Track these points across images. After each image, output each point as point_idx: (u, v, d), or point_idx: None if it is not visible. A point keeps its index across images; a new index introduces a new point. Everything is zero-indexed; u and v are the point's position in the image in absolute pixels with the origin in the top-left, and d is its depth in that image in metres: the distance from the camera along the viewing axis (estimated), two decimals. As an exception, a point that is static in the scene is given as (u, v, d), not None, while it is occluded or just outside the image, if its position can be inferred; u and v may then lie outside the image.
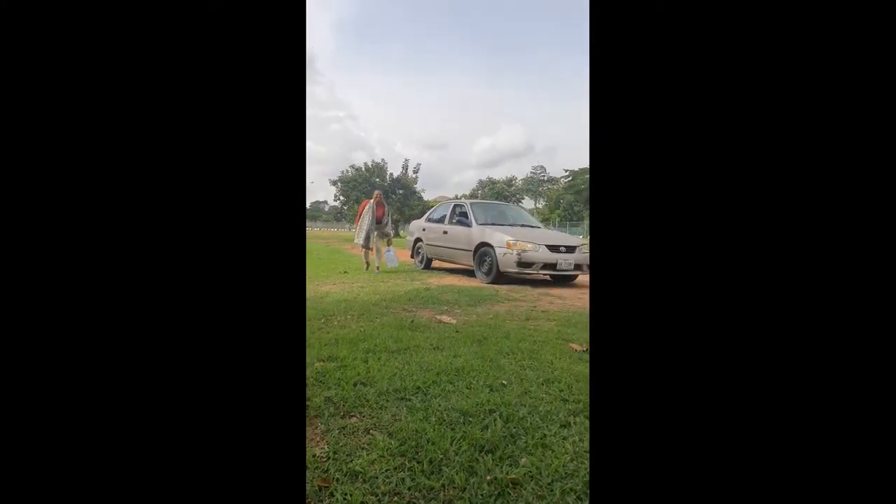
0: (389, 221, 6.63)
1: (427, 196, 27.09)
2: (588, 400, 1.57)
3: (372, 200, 6.52)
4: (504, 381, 1.76)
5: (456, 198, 7.59)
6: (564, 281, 5.75)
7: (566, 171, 38.97)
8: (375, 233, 6.50)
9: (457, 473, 1.07)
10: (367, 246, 6.57)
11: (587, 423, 1.39)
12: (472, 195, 40.70)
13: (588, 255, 5.69)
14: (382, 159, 27.35)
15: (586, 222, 35.05)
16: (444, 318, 3.16)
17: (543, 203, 42.01)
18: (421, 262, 6.95)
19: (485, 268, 5.68)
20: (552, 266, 5.35)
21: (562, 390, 1.68)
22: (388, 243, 6.56)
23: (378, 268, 6.37)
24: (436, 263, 7.36)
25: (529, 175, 48.23)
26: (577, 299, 4.34)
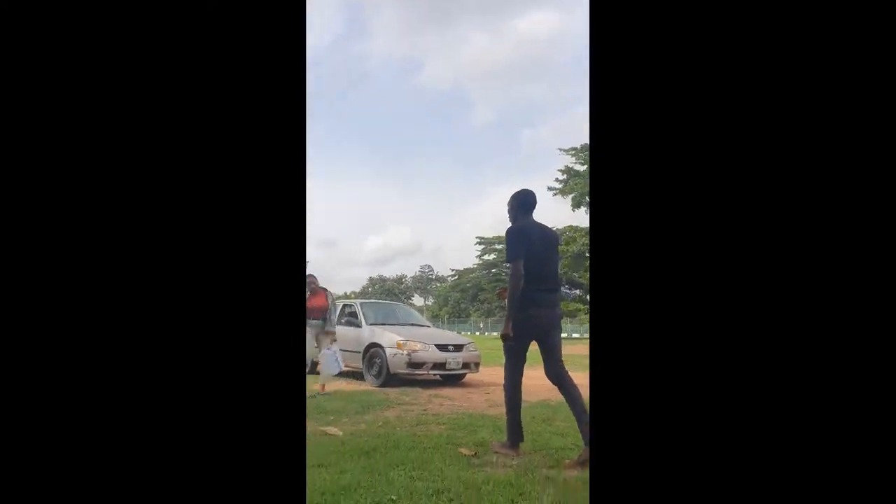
0: (333, 312, 4.86)
1: (314, 294, 26.08)
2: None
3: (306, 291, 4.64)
4: (393, 497, 1.69)
5: (346, 296, 7.46)
6: (454, 380, 5.79)
7: (452, 270, 41.03)
8: (315, 333, 4.67)
9: None
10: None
11: (477, 534, 1.38)
12: (363, 292, 40.44)
13: (476, 353, 5.86)
14: (267, 256, 26.13)
15: (472, 318, 36.37)
16: (330, 429, 2.97)
17: (433, 301, 42.99)
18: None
19: (374, 370, 5.53)
20: (441, 365, 5.39)
21: (451, 500, 1.65)
22: (332, 341, 4.70)
23: (321, 388, 4.39)
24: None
25: (419, 273, 49.65)
26: (466, 399, 4.38)
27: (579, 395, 2.25)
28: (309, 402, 3.82)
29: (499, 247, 33.86)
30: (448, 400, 4.37)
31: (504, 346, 2.40)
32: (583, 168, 18.10)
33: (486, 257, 35.78)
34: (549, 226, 2.60)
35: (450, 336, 6.00)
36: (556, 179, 19.06)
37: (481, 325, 35.36)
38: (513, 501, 1.64)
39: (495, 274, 34.45)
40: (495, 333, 32.32)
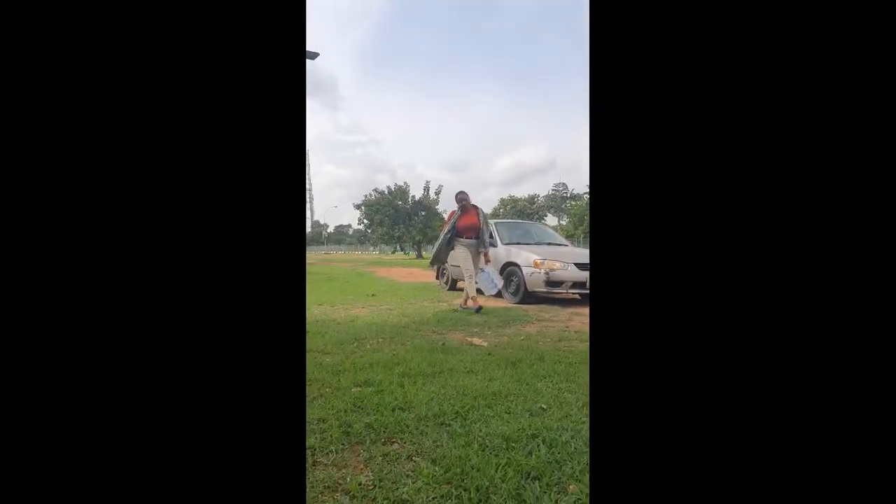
0: (485, 231, 4.64)
1: (451, 216, 27.16)
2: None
3: (457, 208, 4.60)
4: (543, 406, 1.74)
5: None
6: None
7: (588, 186, 38.68)
8: (465, 251, 4.51)
9: (505, 501, 1.05)
10: (440, 263, 5.00)
11: (634, 448, 1.35)
12: (494, 213, 40.72)
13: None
14: (405, 182, 27.71)
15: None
16: (475, 340, 3.15)
17: (567, 220, 41.68)
18: (446, 283, 6.95)
19: (512, 288, 5.64)
20: (582, 285, 5.28)
21: (604, 414, 1.64)
22: (487, 261, 4.62)
23: (470, 301, 4.47)
24: (461, 284, 7.36)
25: (552, 192, 48.12)
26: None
27: None
28: (453, 316, 4.08)
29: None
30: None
31: None
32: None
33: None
34: None
35: (587, 254, 5.77)
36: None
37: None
38: (672, 420, 1.57)
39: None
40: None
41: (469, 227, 4.59)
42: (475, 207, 4.68)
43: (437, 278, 7.44)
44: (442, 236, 4.67)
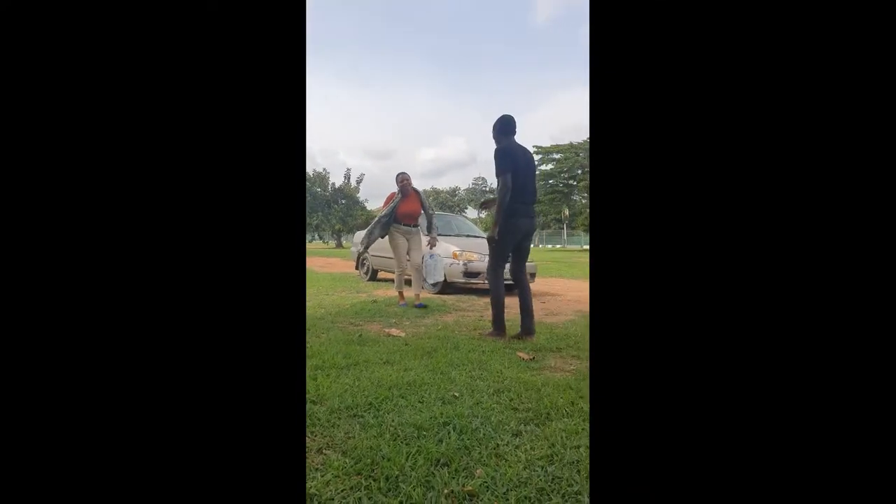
0: (433, 214, 4.36)
1: (371, 206, 26.81)
2: (537, 408, 1.62)
3: (396, 190, 4.24)
4: (455, 394, 1.78)
5: None
6: (510, 290, 5.88)
7: (508, 181, 40.07)
8: (400, 240, 4.20)
9: (414, 489, 1.07)
10: (363, 251, 4.61)
11: (537, 430, 1.44)
12: (417, 205, 40.88)
13: (532, 263, 5.88)
14: (324, 168, 26.73)
15: (528, 232, 36.16)
16: (393, 331, 3.15)
17: (486, 214, 42.80)
18: (366, 273, 6.86)
19: (431, 279, 5.69)
20: (497, 276, 5.44)
21: (511, 399, 1.72)
22: (432, 246, 4.36)
23: (416, 293, 4.26)
24: (382, 274, 7.29)
25: (472, 186, 49.13)
26: (522, 308, 4.46)
27: (529, 294, 2.96)
28: (371, 307, 4.04)
29: (557, 156, 32.30)
30: (505, 308, 4.46)
31: (489, 247, 2.91)
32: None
33: (542, 167, 34.18)
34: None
35: (506, 247, 5.99)
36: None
37: (535, 238, 35.14)
38: (573, 403, 1.69)
39: (552, 185, 33.19)
40: (550, 246, 32.10)
41: (409, 213, 4.21)
42: (416, 192, 4.28)
43: (357, 268, 7.31)
44: (376, 220, 4.20)
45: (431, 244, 4.37)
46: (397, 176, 4.31)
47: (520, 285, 2.95)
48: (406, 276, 4.41)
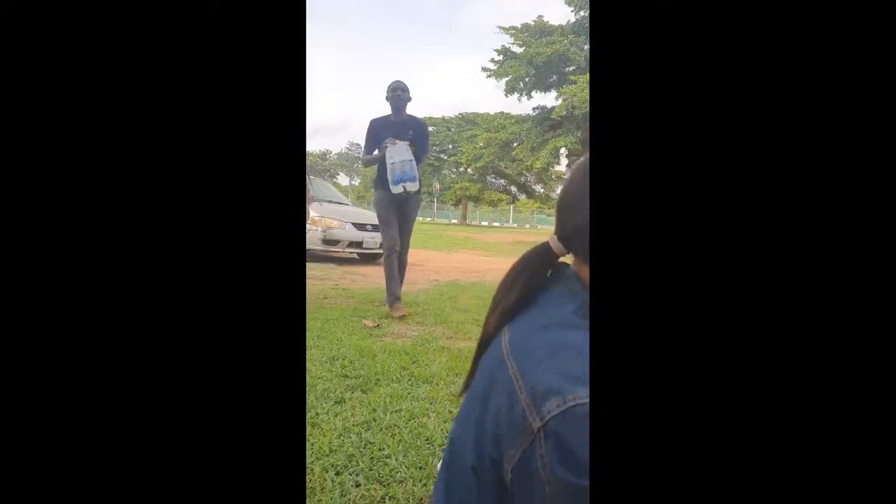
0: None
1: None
2: (368, 374, 1.61)
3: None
4: (285, 363, 1.68)
5: None
6: (371, 259, 5.83)
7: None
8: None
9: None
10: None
11: (363, 397, 1.42)
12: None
13: (395, 233, 5.88)
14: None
15: (399, 202, 36.23)
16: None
17: (359, 181, 41.86)
18: None
19: (287, 245, 5.37)
20: (359, 244, 5.36)
21: (344, 366, 1.68)
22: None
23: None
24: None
25: (345, 150, 47.42)
26: (381, 277, 4.45)
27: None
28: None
29: (432, 129, 32.68)
30: (362, 277, 4.41)
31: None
32: (520, 50, 17.12)
33: (416, 140, 34.40)
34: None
35: (369, 216, 5.89)
36: (492, 60, 18.03)
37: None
38: (404, 367, 1.70)
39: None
40: (420, 218, 32.76)
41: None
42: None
43: None
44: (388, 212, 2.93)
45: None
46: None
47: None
48: None
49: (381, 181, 2.83)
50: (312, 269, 4.43)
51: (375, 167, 2.86)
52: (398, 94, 2.85)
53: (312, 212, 5.05)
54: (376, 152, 2.85)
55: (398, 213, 2.91)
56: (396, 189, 2.72)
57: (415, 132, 2.92)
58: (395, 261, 2.87)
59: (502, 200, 30.11)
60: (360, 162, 3.97)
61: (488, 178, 28.72)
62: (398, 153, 2.74)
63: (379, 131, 2.87)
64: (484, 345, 0.54)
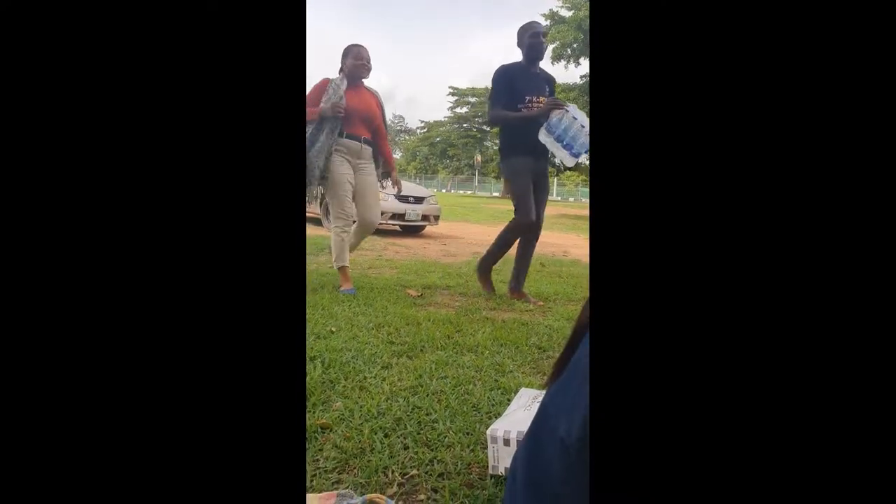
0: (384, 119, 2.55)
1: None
2: (413, 341, 1.62)
3: (339, 71, 2.38)
4: (333, 329, 1.72)
5: None
6: (413, 231, 5.87)
7: (422, 122, 39.18)
8: (344, 168, 2.33)
9: (262, 425, 1.01)
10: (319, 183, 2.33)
11: (409, 363, 1.43)
12: (327, 141, 38.65)
13: (437, 206, 5.88)
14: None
15: (441, 176, 36.05)
16: (281, 267, 2.98)
17: (400, 154, 41.91)
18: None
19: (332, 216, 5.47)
20: (401, 216, 5.40)
21: (390, 333, 1.71)
22: (397, 186, 2.68)
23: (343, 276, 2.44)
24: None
25: (389, 123, 47.46)
26: (422, 248, 4.48)
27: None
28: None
29: (472, 99, 31.98)
30: (404, 248, 4.45)
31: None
32: (569, 14, 16.31)
33: (458, 110, 33.72)
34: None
35: (411, 187, 5.90)
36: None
37: (448, 184, 35.19)
38: (448, 336, 1.71)
39: (466, 129, 33.11)
40: (461, 192, 32.52)
41: (364, 114, 2.30)
42: (371, 92, 2.41)
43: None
44: (310, 130, 2.23)
45: (396, 186, 2.63)
46: (349, 49, 2.32)
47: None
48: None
49: (522, 146, 2.25)
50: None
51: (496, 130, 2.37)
52: (539, 39, 2.28)
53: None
54: (525, 110, 2.24)
55: (536, 186, 2.32)
56: (572, 161, 2.18)
57: (550, 88, 2.36)
58: (533, 243, 2.43)
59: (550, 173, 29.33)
60: (490, 117, 2.26)
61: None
62: (582, 117, 2.14)
63: (517, 82, 2.25)
64: (585, 325, 0.53)
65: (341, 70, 2.36)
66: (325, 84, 2.27)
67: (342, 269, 2.40)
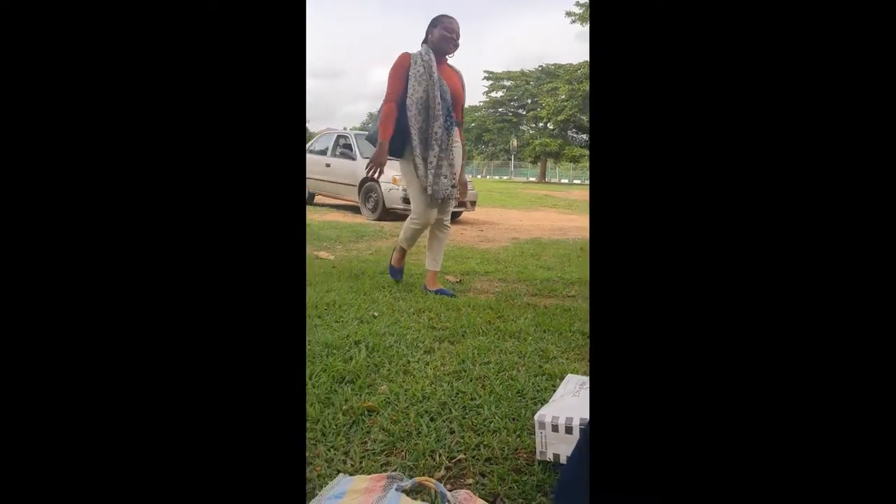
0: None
1: (314, 127, 25.40)
2: (454, 327, 1.62)
3: (423, 44, 2.05)
4: (375, 314, 1.75)
5: (344, 130, 6.85)
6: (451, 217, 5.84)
7: (458, 108, 38.73)
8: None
9: (311, 406, 1.03)
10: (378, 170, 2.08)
11: (451, 348, 1.43)
12: (363, 128, 39.04)
13: (474, 192, 5.82)
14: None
15: (476, 161, 35.76)
16: (322, 254, 3.04)
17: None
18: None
19: (370, 204, 5.54)
20: (437, 202, 5.37)
21: (431, 318, 1.71)
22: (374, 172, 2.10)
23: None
24: (320, 199, 7.02)
25: (422, 111, 47.28)
26: (460, 234, 4.46)
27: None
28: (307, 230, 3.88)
29: (507, 83, 31.41)
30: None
31: None
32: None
33: (493, 94, 33.19)
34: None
35: (447, 173, 5.87)
36: (577, 3, 16.66)
37: (483, 170, 34.85)
38: (490, 322, 1.70)
39: (502, 114, 32.59)
40: (497, 177, 32.18)
41: (453, 93, 2.06)
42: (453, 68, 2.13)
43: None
44: (380, 114, 2.07)
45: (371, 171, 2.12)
46: (439, 19, 2.05)
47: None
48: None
49: None
50: (396, 228, 4.54)
51: None
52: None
53: (394, 172, 5.13)
54: None
55: None
56: None
57: None
58: None
59: (584, 156, 28.60)
60: None
61: (569, 132, 27.36)
62: None
63: None
64: None
65: (425, 41, 2.05)
66: (406, 59, 2.01)
67: (402, 249, 2.28)
